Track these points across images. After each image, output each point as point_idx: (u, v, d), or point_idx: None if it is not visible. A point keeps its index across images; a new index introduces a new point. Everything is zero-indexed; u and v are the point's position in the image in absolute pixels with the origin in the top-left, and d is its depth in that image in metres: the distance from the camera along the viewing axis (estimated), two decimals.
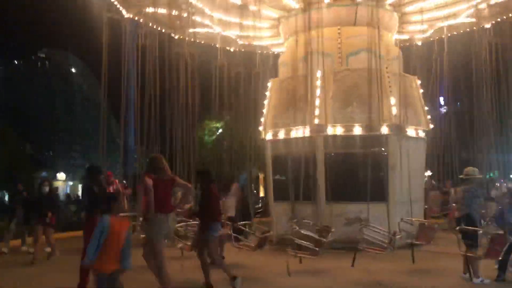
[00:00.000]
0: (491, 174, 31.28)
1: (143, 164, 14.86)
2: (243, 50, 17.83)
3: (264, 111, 13.69)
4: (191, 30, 16.97)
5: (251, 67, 19.20)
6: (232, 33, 16.38)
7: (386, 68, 12.64)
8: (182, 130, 16.20)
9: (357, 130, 12.21)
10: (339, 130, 12.25)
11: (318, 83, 12.43)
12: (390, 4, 13.69)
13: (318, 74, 12.51)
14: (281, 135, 13.10)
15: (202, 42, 17.73)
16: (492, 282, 8.23)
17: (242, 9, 14.39)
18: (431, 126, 13.74)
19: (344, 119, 12.22)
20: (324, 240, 9.20)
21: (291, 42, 13.88)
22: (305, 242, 9.26)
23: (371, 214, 11.54)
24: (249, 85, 20.02)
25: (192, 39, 17.26)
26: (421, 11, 13.69)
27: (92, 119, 78.25)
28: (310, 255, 9.17)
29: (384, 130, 12.24)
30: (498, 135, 17.08)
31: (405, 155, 12.23)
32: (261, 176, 34.06)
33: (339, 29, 13.08)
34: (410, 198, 12.15)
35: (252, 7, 13.63)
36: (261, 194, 33.17)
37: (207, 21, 15.76)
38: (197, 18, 15.51)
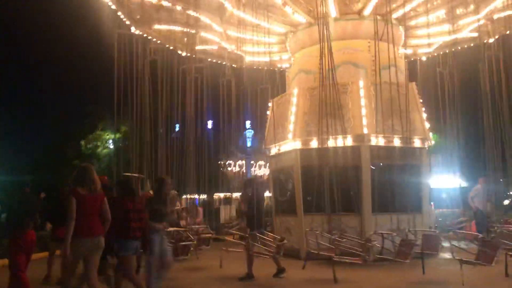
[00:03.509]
0: None
1: None
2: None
3: (292, 118, 13.00)
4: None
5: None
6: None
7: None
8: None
9: (397, 142, 12.45)
10: (381, 141, 12.34)
11: (361, 93, 12.38)
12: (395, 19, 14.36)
13: (361, 84, 12.48)
14: (315, 144, 12.61)
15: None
16: None
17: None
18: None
19: (386, 130, 12.33)
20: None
21: (315, 50, 13.52)
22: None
23: (410, 224, 11.90)
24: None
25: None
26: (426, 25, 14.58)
27: None
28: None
29: (417, 142, 12.75)
30: None
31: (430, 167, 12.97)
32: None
33: (369, 42, 13.27)
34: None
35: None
36: None
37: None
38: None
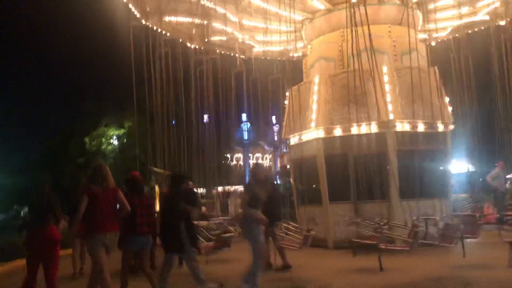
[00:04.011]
0: None
1: None
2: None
3: (314, 107, 12.83)
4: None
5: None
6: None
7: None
8: None
9: (421, 127, 12.35)
10: (406, 127, 12.23)
11: (386, 78, 12.24)
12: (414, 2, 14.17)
13: (385, 70, 12.33)
14: (338, 132, 12.49)
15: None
16: None
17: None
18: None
19: (410, 116, 12.23)
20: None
21: (335, 37, 13.40)
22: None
23: (436, 210, 11.89)
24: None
25: None
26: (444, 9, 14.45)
27: None
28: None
29: (441, 127, 12.65)
30: None
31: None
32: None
33: (389, 27, 13.12)
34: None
35: None
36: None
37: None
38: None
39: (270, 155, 74.97)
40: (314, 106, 12.84)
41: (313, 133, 12.88)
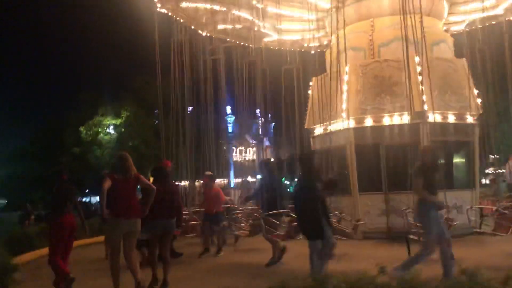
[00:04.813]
0: None
1: None
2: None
3: (344, 96, 12.69)
4: None
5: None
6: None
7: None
8: None
9: (451, 118, 12.38)
10: (437, 118, 12.20)
11: (418, 69, 12.17)
12: None
13: (416, 60, 12.25)
14: (369, 122, 12.40)
15: None
16: None
17: None
18: None
19: (442, 107, 12.23)
20: None
21: (364, 26, 13.28)
22: None
23: (464, 201, 11.93)
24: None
25: None
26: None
27: None
28: None
29: (470, 119, 12.70)
30: None
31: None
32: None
33: (420, 17, 13.04)
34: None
35: None
36: None
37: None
38: None
39: (254, 149, 75.02)
40: (344, 96, 12.71)
41: (343, 123, 12.75)
